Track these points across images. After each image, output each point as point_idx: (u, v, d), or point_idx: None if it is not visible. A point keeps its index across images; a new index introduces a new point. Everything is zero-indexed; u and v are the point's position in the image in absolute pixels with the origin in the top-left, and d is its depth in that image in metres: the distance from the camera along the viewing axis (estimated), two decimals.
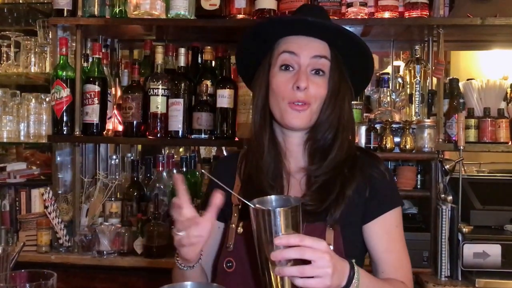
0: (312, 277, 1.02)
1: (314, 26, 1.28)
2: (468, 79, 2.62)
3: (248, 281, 1.28)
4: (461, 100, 2.46)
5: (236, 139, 2.50)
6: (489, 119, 2.38)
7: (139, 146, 3.15)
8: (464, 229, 2.24)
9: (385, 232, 1.33)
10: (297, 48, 1.29)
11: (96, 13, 2.57)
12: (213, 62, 2.64)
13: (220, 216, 1.32)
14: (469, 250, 2.19)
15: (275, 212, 1.03)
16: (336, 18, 2.41)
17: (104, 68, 2.65)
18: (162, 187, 2.69)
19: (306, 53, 1.29)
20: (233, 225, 1.32)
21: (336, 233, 1.26)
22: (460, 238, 2.22)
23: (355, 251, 1.30)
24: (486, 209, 2.36)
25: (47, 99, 2.83)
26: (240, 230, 1.31)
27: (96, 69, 2.58)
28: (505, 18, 2.34)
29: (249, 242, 1.23)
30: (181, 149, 3.30)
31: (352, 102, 2.31)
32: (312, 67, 1.29)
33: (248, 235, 1.19)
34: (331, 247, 1.18)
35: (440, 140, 2.36)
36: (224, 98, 2.47)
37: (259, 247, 1.07)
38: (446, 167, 2.29)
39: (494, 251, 2.18)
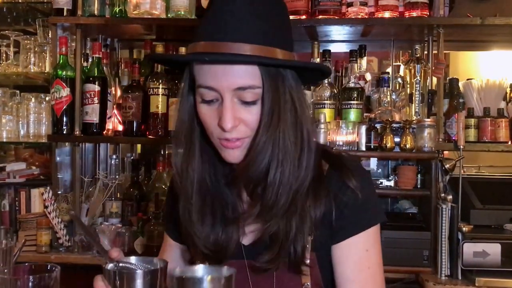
0: None
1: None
2: (468, 79, 2.62)
3: None
4: (461, 100, 2.46)
5: None
6: (489, 119, 2.38)
7: (139, 147, 3.14)
8: (464, 228, 2.24)
9: (350, 259, 1.14)
10: (214, 82, 1.02)
11: (96, 12, 2.56)
12: None
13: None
14: (469, 249, 2.19)
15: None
16: (336, 17, 2.41)
17: (104, 67, 2.64)
18: (162, 186, 2.69)
19: (225, 86, 1.02)
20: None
21: (312, 266, 1.12)
22: (460, 237, 2.22)
23: (331, 275, 1.17)
24: (486, 209, 2.37)
25: (46, 99, 2.83)
26: None
27: (96, 68, 2.57)
28: (505, 18, 2.35)
29: None
30: None
31: (352, 102, 2.37)
32: (238, 97, 1.04)
33: None
34: (309, 284, 1.10)
35: (440, 139, 2.37)
36: None
37: None
38: (446, 167, 2.29)
39: (494, 250, 2.19)
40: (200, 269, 0.93)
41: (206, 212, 1.13)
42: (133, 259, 0.99)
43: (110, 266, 0.96)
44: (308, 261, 1.10)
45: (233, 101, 1.03)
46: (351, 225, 1.13)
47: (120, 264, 0.97)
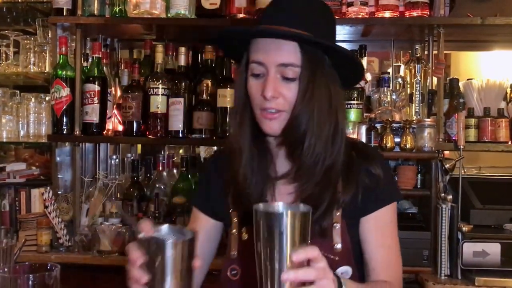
0: None
1: (275, 32, 1.20)
2: (468, 79, 2.62)
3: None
4: (461, 100, 2.46)
5: None
6: (489, 119, 2.38)
7: (139, 147, 3.14)
8: (464, 228, 2.24)
9: (378, 227, 1.31)
10: (264, 57, 1.21)
11: (96, 12, 2.56)
12: (214, 62, 2.64)
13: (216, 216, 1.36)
14: (469, 249, 2.20)
15: (287, 215, 0.94)
16: (336, 17, 2.40)
17: (104, 67, 2.64)
18: (162, 187, 2.69)
19: (272, 61, 1.20)
20: (235, 231, 1.29)
21: (342, 231, 1.26)
22: (460, 237, 2.23)
23: (359, 244, 1.32)
24: (485, 208, 2.37)
25: (46, 99, 2.83)
26: (245, 236, 1.27)
27: (96, 68, 2.57)
28: (505, 18, 2.35)
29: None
30: (180, 150, 3.29)
31: (353, 102, 2.37)
32: (281, 74, 1.21)
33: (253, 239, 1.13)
34: (339, 245, 1.24)
35: (440, 139, 2.37)
36: (225, 97, 2.47)
37: (263, 256, 0.98)
38: (446, 167, 2.29)
39: (493, 250, 2.19)
40: (280, 206, 1.01)
41: (252, 171, 1.28)
42: (164, 228, 1.02)
43: (142, 235, 0.98)
44: (338, 226, 1.25)
45: (276, 76, 1.20)
46: (377, 201, 1.30)
47: (153, 235, 1.00)
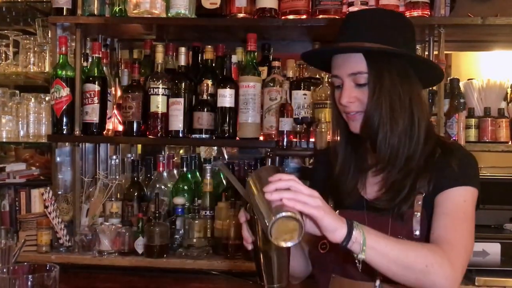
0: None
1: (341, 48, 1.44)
2: (468, 79, 2.62)
3: (339, 261, 1.42)
4: (462, 100, 2.46)
5: (237, 138, 2.50)
6: (490, 119, 2.38)
7: (139, 147, 3.14)
8: None
9: (449, 201, 1.37)
10: (338, 70, 1.44)
11: (95, 12, 2.56)
12: (214, 62, 2.64)
13: None
14: None
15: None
16: (337, 17, 2.41)
17: (104, 67, 2.64)
18: (162, 187, 2.69)
19: (344, 72, 1.42)
20: None
21: (422, 218, 1.38)
22: None
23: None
24: (485, 208, 2.35)
25: (46, 99, 2.83)
26: None
27: (96, 68, 2.57)
28: (505, 18, 2.35)
29: None
30: (181, 151, 3.28)
31: None
32: (354, 82, 1.41)
33: None
34: (418, 232, 1.37)
35: None
36: (225, 97, 2.47)
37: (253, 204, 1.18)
38: None
39: (493, 249, 2.19)
40: None
41: (347, 166, 1.50)
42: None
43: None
44: (418, 215, 1.37)
45: (350, 84, 1.42)
46: (452, 181, 1.38)
47: None
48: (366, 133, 1.44)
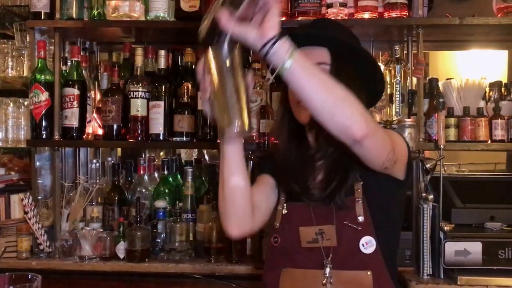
0: None
1: (310, 36, 1.48)
2: (447, 79, 2.64)
3: (289, 254, 1.51)
4: (441, 100, 2.47)
5: (218, 141, 2.48)
6: (469, 118, 2.40)
7: (119, 150, 3.11)
8: (445, 228, 2.26)
9: None
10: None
11: (74, 15, 2.54)
12: (194, 64, 2.63)
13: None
14: (451, 248, 2.20)
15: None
16: (315, 19, 2.41)
17: (83, 71, 2.62)
18: (143, 190, 2.67)
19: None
20: (280, 207, 1.57)
21: (363, 204, 1.46)
22: (441, 236, 2.23)
23: (381, 219, 1.47)
24: (467, 207, 2.39)
25: (25, 103, 2.79)
26: (284, 211, 1.55)
27: (75, 72, 2.55)
28: (483, 18, 2.36)
29: (291, 220, 1.53)
30: (161, 153, 3.27)
31: None
32: None
33: (290, 213, 1.54)
34: (361, 218, 1.44)
35: (421, 139, 2.38)
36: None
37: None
38: (427, 166, 2.31)
39: (475, 248, 2.20)
40: None
41: (292, 157, 1.56)
42: None
43: None
44: (360, 201, 1.45)
45: None
46: None
47: None
48: (313, 123, 1.38)
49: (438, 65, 5.69)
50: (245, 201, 1.45)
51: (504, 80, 2.76)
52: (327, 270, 1.44)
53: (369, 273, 1.43)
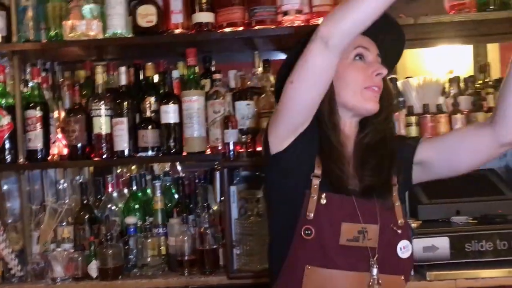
0: None
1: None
2: (406, 77, 2.68)
3: (325, 250, 1.38)
4: (401, 99, 2.51)
5: (184, 153, 2.49)
6: (429, 115, 2.43)
7: (89, 168, 3.09)
8: (412, 224, 2.28)
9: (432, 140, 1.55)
10: (368, 45, 1.47)
11: (31, 37, 2.53)
12: (156, 78, 2.63)
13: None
14: (419, 245, 2.21)
15: None
16: (273, 27, 2.43)
17: (45, 92, 2.61)
18: (113, 207, 2.66)
19: (373, 50, 1.48)
20: (314, 196, 1.40)
21: (402, 209, 1.47)
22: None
23: None
24: (432, 203, 2.42)
25: None
26: (323, 201, 1.39)
27: (36, 94, 2.54)
28: (436, 16, 2.40)
29: (332, 212, 1.39)
30: (133, 167, 3.25)
31: None
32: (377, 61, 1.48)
33: (331, 205, 1.38)
34: (402, 220, 1.44)
35: None
36: (169, 113, 2.46)
37: None
38: None
39: (442, 243, 2.22)
40: None
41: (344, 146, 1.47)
42: None
43: None
44: (398, 204, 1.44)
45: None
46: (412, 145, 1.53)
47: None
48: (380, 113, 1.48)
49: (406, 63, 5.76)
50: None
51: (471, 73, 2.80)
52: (374, 271, 1.37)
53: (402, 277, 1.43)
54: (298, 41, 1.48)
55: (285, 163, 1.44)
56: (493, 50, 4.79)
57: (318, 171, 1.42)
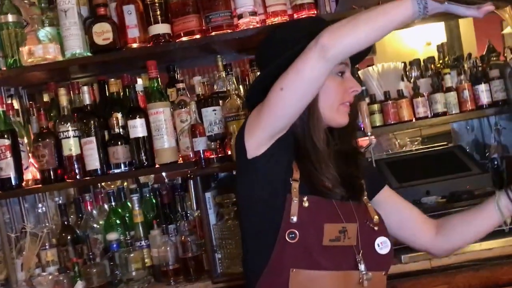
0: None
1: None
2: (368, 65, 2.73)
3: (309, 252, 1.40)
4: (363, 88, 2.56)
5: (157, 166, 2.52)
6: (391, 102, 2.49)
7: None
8: None
9: (393, 194, 1.65)
10: (348, 61, 1.50)
11: None
12: (121, 93, 2.65)
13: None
14: None
15: None
16: (229, 31, 2.45)
17: (12, 118, 2.62)
18: (95, 225, 2.69)
19: (349, 64, 1.52)
20: (295, 199, 1.42)
21: (373, 208, 1.53)
22: None
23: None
24: (403, 186, 2.49)
25: None
26: (305, 204, 1.42)
27: (2, 122, 2.54)
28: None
29: (315, 215, 1.42)
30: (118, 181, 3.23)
31: None
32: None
33: (313, 207, 1.41)
34: (376, 217, 1.49)
35: None
36: (136, 128, 2.48)
37: None
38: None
39: None
40: None
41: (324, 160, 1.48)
42: None
43: None
44: (370, 204, 1.52)
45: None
46: (380, 181, 1.67)
47: None
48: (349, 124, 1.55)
49: (385, 41, 5.89)
50: None
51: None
52: (362, 266, 1.41)
53: (383, 273, 1.48)
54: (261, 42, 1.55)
55: (262, 168, 1.45)
56: (466, 23, 4.90)
57: (296, 175, 1.45)
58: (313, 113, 1.46)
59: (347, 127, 1.54)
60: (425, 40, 5.58)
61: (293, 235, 1.40)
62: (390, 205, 1.62)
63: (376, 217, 1.49)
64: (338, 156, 1.53)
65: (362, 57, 1.62)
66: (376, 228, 1.47)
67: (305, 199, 1.42)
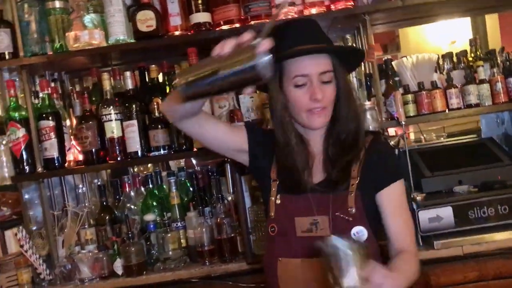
0: None
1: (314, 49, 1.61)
2: (401, 57, 2.77)
3: (287, 241, 1.63)
4: (396, 78, 2.61)
5: (195, 149, 2.60)
6: (424, 92, 2.53)
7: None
8: (417, 198, 2.39)
9: (392, 200, 1.66)
10: (307, 70, 1.60)
11: (37, 51, 2.62)
12: (161, 79, 2.73)
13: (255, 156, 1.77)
14: (424, 216, 2.34)
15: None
16: (267, 20, 2.52)
17: (55, 101, 2.71)
18: (132, 206, 2.78)
19: (314, 72, 1.60)
20: (273, 198, 1.69)
21: (356, 198, 1.60)
22: (414, 206, 2.37)
23: (372, 212, 1.64)
24: (435, 176, 2.53)
25: (4, 142, 2.87)
26: (278, 201, 1.68)
27: (47, 104, 2.64)
28: None
29: (286, 210, 1.65)
30: (149, 164, 3.34)
31: None
32: (320, 80, 1.61)
33: (285, 204, 1.66)
34: (353, 209, 1.59)
35: (384, 118, 2.51)
36: None
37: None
38: (391, 143, 2.44)
39: (446, 213, 2.34)
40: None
41: (298, 155, 1.67)
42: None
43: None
44: (353, 195, 1.60)
45: (318, 82, 1.60)
46: (390, 176, 1.66)
47: None
48: (335, 126, 1.67)
49: (409, 39, 5.90)
50: None
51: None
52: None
53: None
54: None
55: (255, 174, 1.82)
56: (492, 20, 4.90)
57: (273, 175, 1.71)
58: (285, 116, 1.67)
59: (340, 119, 1.67)
60: (450, 38, 5.58)
61: (273, 229, 1.67)
62: (382, 210, 1.67)
63: (353, 210, 1.59)
64: (335, 146, 1.68)
65: (357, 63, 1.94)
66: (351, 219, 1.59)
67: (278, 197, 1.68)
